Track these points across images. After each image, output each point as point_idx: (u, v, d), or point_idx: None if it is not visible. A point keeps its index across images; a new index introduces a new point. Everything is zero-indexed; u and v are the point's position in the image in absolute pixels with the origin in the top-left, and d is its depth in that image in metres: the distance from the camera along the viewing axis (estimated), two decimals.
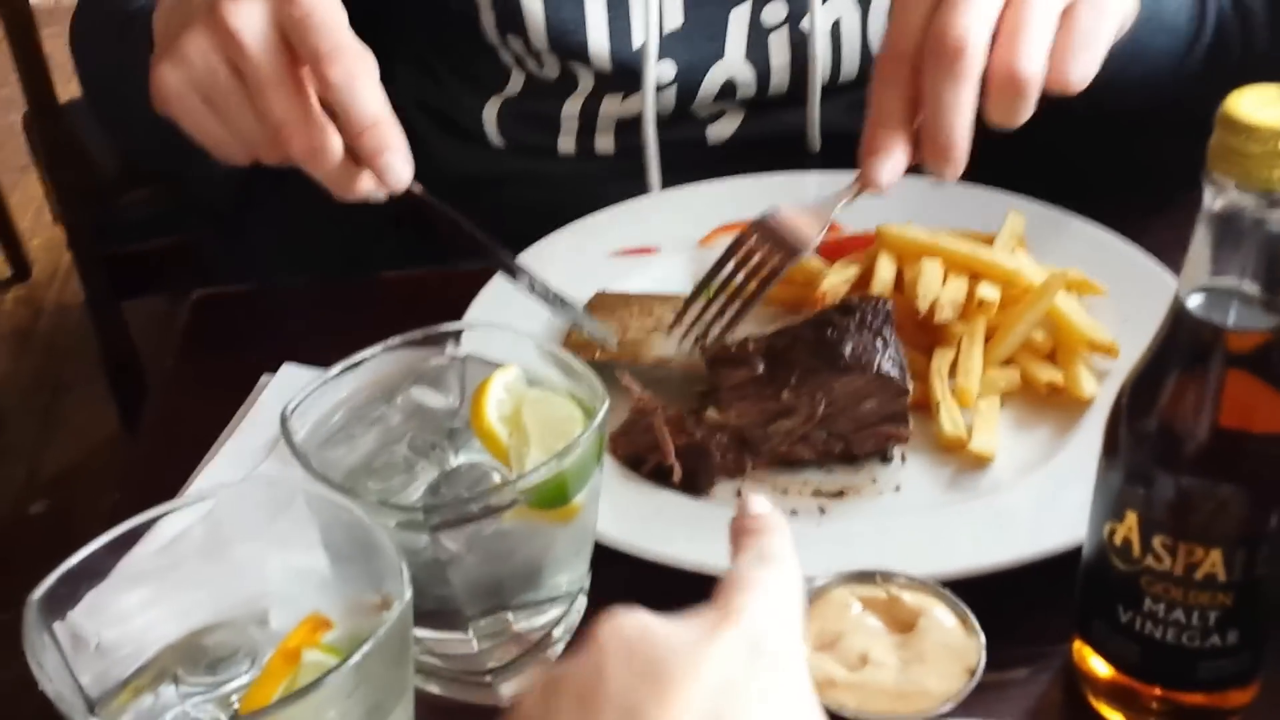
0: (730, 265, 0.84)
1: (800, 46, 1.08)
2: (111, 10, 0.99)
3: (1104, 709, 0.65)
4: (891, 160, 0.75)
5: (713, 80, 1.08)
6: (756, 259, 0.83)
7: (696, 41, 1.06)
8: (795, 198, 1.03)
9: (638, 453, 0.82)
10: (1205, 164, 0.53)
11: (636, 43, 1.05)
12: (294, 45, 0.74)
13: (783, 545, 0.53)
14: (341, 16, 0.75)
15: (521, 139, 1.13)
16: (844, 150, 1.09)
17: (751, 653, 0.45)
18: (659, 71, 1.06)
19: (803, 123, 1.10)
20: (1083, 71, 0.73)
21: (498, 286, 0.94)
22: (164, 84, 0.76)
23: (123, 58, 0.92)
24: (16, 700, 0.59)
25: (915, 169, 1.02)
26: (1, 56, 1.97)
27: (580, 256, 0.99)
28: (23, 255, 2.89)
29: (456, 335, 0.72)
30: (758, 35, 1.07)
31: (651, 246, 1.01)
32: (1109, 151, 1.01)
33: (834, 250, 0.96)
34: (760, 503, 0.56)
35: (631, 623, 0.46)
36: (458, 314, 0.91)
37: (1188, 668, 0.61)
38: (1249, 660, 0.61)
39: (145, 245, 1.92)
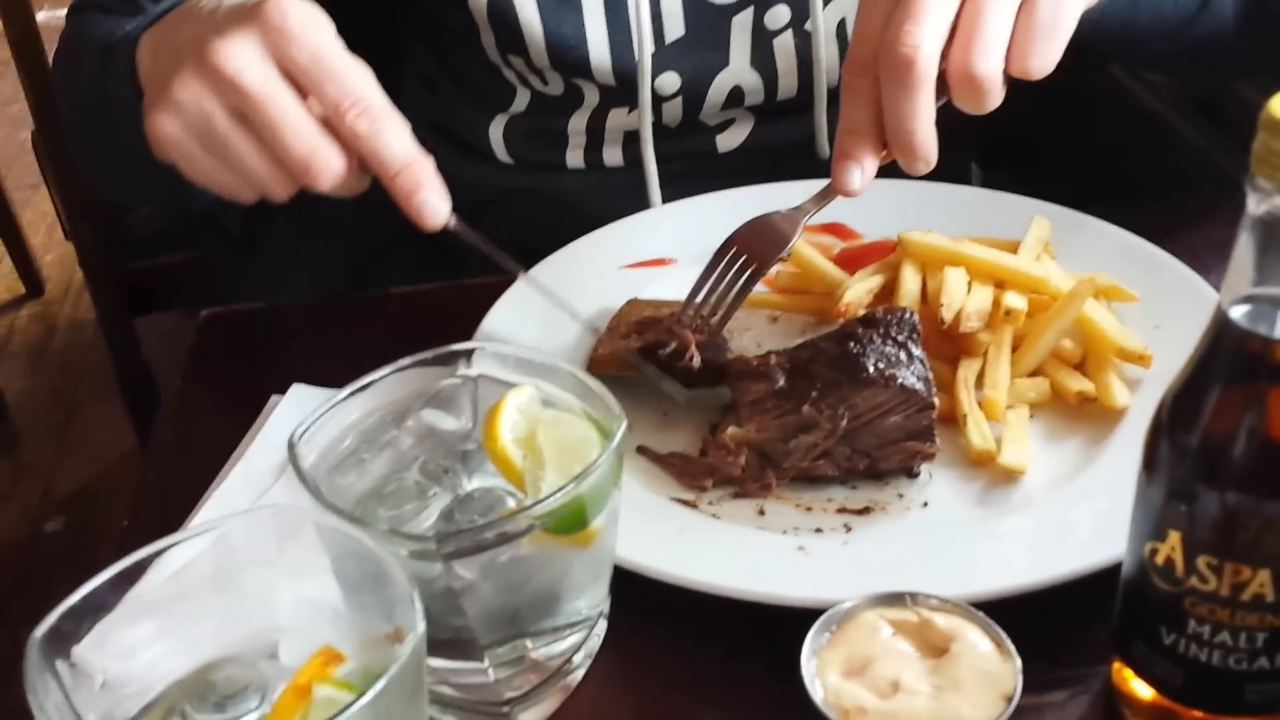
0: (713, 277, 0.84)
1: (805, 50, 1.06)
2: (93, 40, 0.97)
3: None
4: (861, 166, 0.77)
5: (719, 88, 1.06)
6: (738, 266, 0.84)
7: (700, 50, 1.05)
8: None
9: (658, 340, 0.83)
10: (1248, 168, 0.50)
11: (638, 55, 1.03)
12: (307, 88, 0.72)
13: None
14: (338, 46, 0.73)
15: (529, 155, 1.12)
16: None
17: None
18: (664, 82, 1.05)
19: (812, 128, 1.08)
20: (1042, 61, 0.74)
21: (510, 301, 0.92)
22: (160, 132, 0.74)
23: (101, 92, 0.90)
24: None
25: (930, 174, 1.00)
26: (10, 74, 1.97)
27: (594, 270, 0.97)
28: (35, 272, 2.89)
29: (468, 354, 0.70)
30: (762, 40, 1.06)
31: (666, 258, 0.99)
32: (1136, 149, 0.99)
33: (855, 259, 0.94)
34: None
35: None
36: (470, 329, 0.89)
37: (1234, 692, 0.59)
38: None
39: (156, 261, 1.91)
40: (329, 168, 0.72)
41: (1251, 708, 0.59)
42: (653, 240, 1.01)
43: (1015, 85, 0.76)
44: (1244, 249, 0.52)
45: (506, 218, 1.13)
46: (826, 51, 1.05)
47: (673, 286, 0.96)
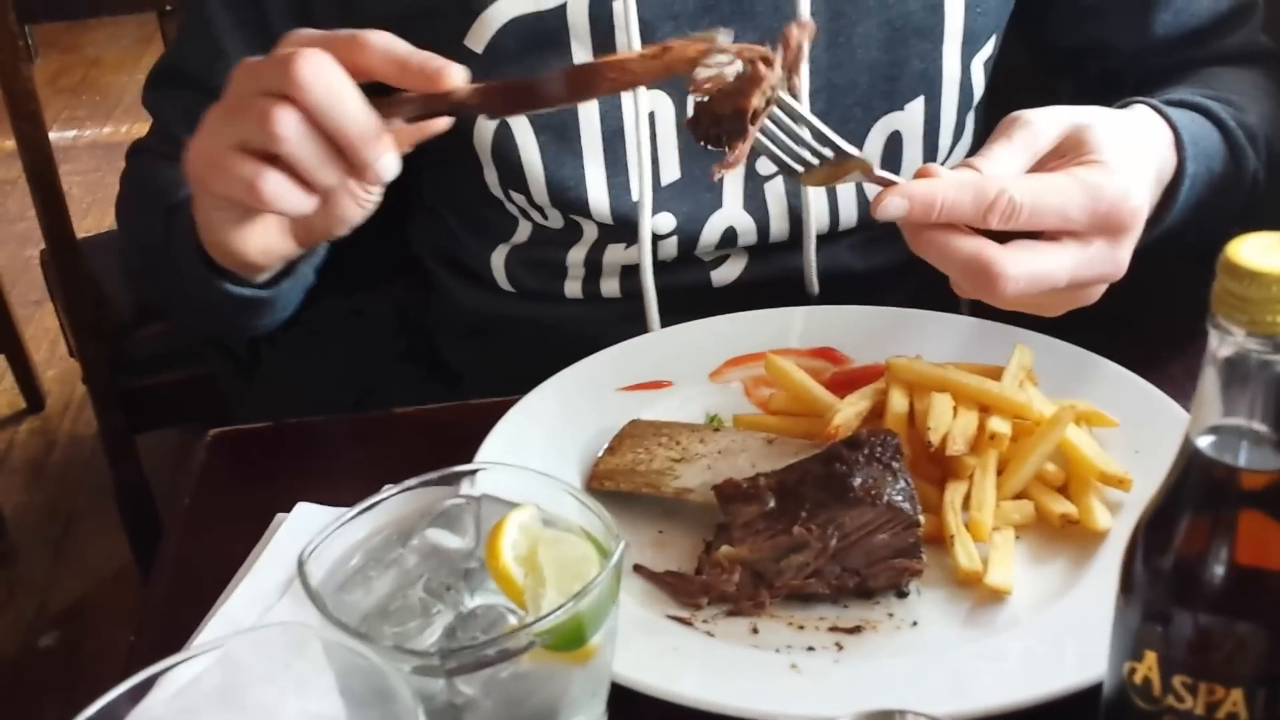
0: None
1: (795, 195, 1.10)
2: (155, 192, 1.03)
3: None
4: (899, 203, 0.82)
5: (712, 229, 1.10)
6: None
7: (694, 193, 1.09)
8: (795, 331, 1.06)
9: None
10: (1209, 309, 0.54)
11: (635, 197, 1.08)
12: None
13: None
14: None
15: (529, 284, 1.15)
16: (844, 290, 1.11)
17: None
18: (660, 222, 1.09)
19: (802, 264, 1.12)
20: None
21: (512, 421, 0.95)
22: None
23: (169, 250, 0.97)
24: None
25: (919, 302, 1.04)
26: (17, 192, 2.02)
27: (592, 391, 1.00)
28: (37, 387, 2.91)
29: (472, 475, 0.73)
30: (754, 186, 1.10)
31: (663, 381, 1.02)
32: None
33: (845, 384, 0.97)
34: None
35: None
36: (472, 447, 0.92)
37: None
38: None
39: (159, 379, 1.94)
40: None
41: None
42: (649, 363, 1.04)
43: None
44: (1209, 383, 0.55)
45: (506, 341, 1.17)
46: (815, 198, 1.10)
47: (670, 409, 0.99)
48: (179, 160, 0.84)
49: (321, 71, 0.76)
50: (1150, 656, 0.58)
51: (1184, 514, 0.57)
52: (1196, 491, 0.56)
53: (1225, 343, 0.53)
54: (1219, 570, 0.56)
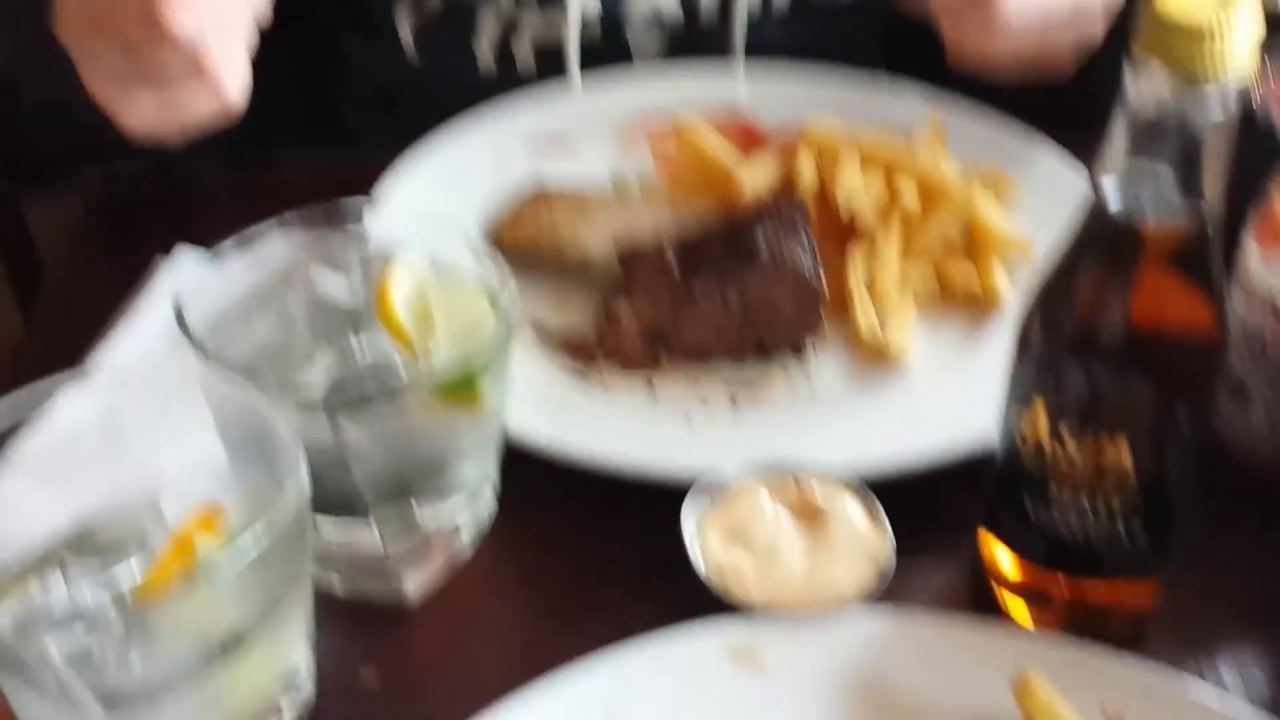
0: None
1: None
2: None
3: (1009, 600, 0.66)
4: None
5: (638, 9, 1.05)
6: None
7: None
8: (707, 94, 1.02)
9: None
10: (1129, 48, 0.52)
11: None
12: None
13: None
14: None
15: (438, 49, 1.09)
16: None
17: None
18: (584, 2, 1.03)
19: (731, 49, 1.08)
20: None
21: (407, 169, 0.91)
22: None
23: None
24: None
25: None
26: None
27: (495, 144, 0.97)
28: None
29: (359, 213, 0.70)
30: None
31: (568, 136, 0.99)
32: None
33: (751, 145, 0.95)
34: None
35: None
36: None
37: (1092, 560, 0.62)
38: (1153, 552, 0.62)
39: (41, 139, 1.84)
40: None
41: (1107, 573, 0.62)
42: (558, 119, 1.00)
43: None
44: (1119, 131, 0.54)
45: (413, 110, 1.11)
46: None
47: (576, 165, 0.96)
48: None
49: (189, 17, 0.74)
50: (1040, 411, 0.59)
51: (1081, 264, 0.56)
52: (1097, 243, 0.56)
53: (1140, 84, 0.51)
54: (1114, 325, 0.55)
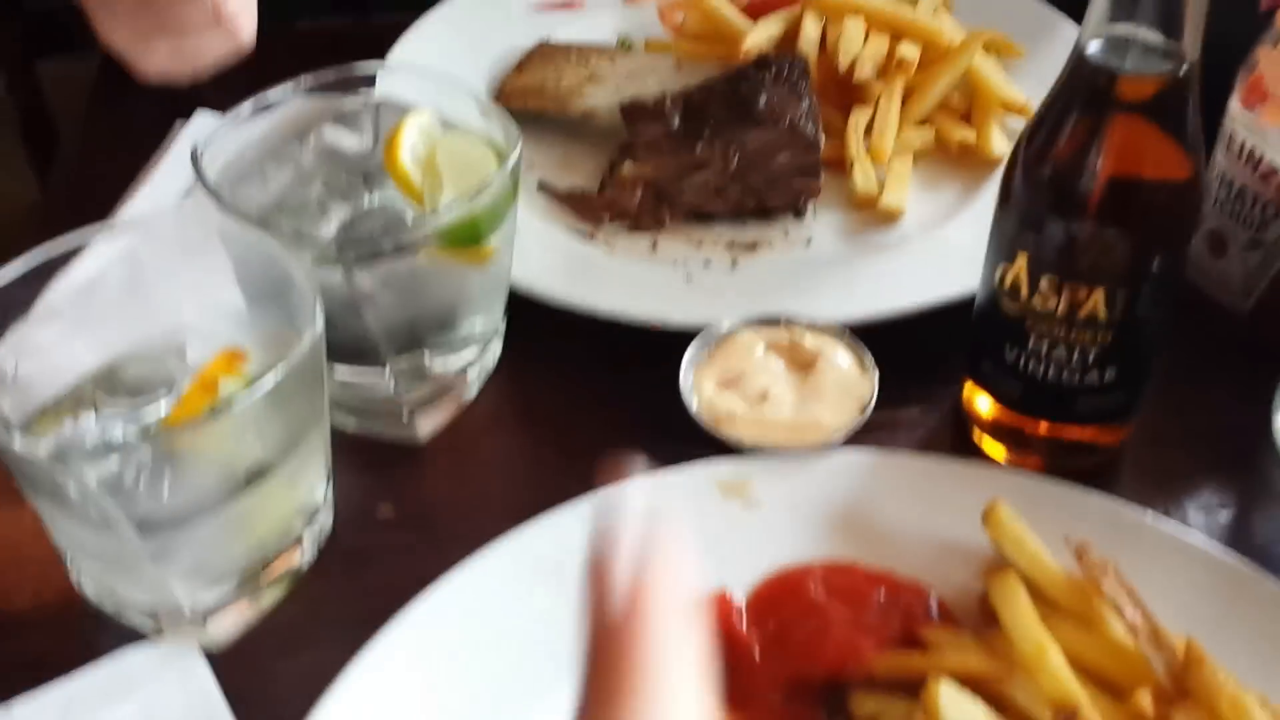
0: None
1: None
2: None
3: (989, 445, 0.69)
4: None
5: None
6: None
7: None
8: None
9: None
10: None
11: None
12: None
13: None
14: None
15: None
16: None
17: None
18: None
19: None
20: None
21: (418, 33, 0.93)
22: None
23: None
24: None
25: None
26: None
27: (502, 8, 0.98)
28: None
29: (372, 77, 0.72)
30: None
31: (575, 1, 1.00)
32: None
33: (759, 8, 0.95)
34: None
35: None
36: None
37: (1068, 403, 0.65)
38: (1125, 397, 0.65)
39: (53, 3, 1.84)
40: None
41: (1083, 419, 0.66)
42: None
43: None
44: None
45: None
46: None
47: (582, 29, 0.97)
48: None
49: None
50: (1021, 259, 0.61)
51: (1065, 119, 0.58)
52: (1079, 97, 0.58)
53: None
54: (1092, 174, 0.57)
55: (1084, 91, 0.57)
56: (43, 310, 0.63)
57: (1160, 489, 0.67)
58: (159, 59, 0.81)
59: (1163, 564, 0.59)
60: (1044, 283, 0.60)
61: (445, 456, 0.71)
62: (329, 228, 0.67)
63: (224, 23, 0.78)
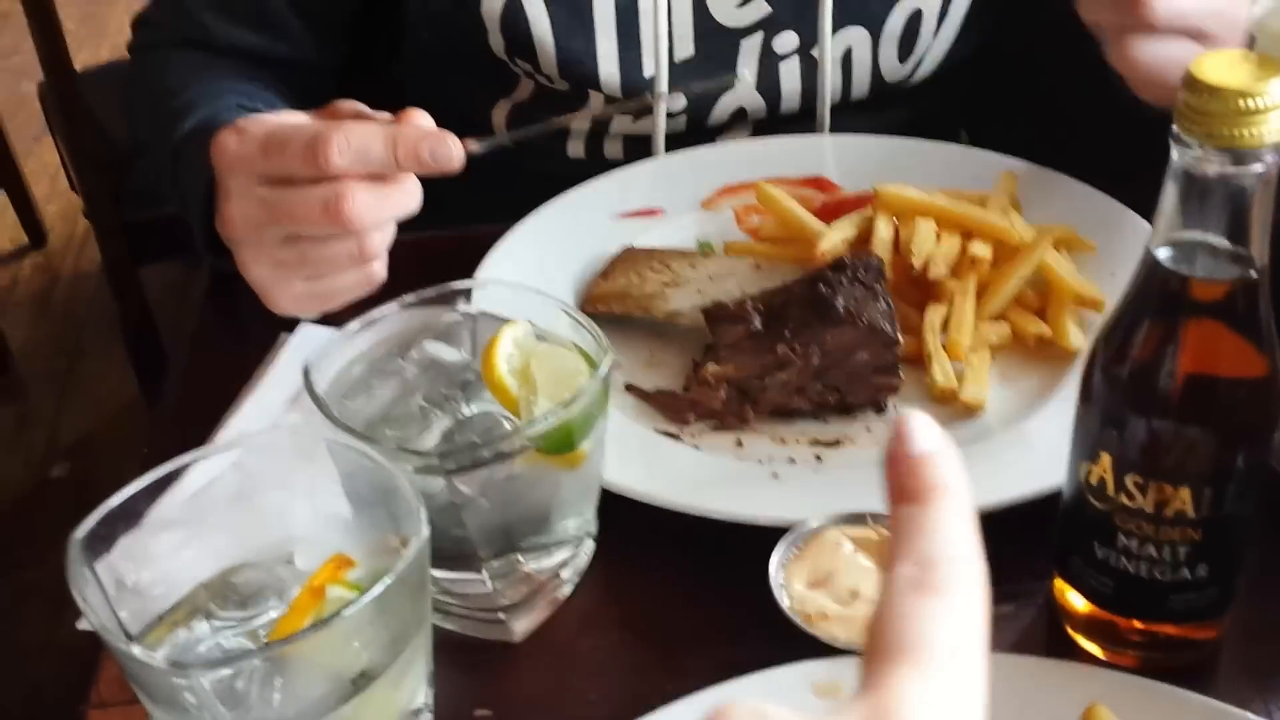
0: None
1: (810, 74, 1.09)
2: (162, 93, 1.02)
3: (1083, 641, 0.69)
4: None
5: (723, 108, 1.10)
6: None
7: (708, 71, 1.06)
8: (787, 160, 1.07)
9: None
10: (1172, 123, 0.56)
11: (647, 72, 1.06)
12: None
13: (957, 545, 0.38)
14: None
15: (530, 141, 1.15)
16: None
17: None
18: (671, 100, 1.08)
19: (813, 127, 1.12)
20: None
21: (508, 246, 0.98)
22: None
23: (173, 163, 0.97)
24: (39, 656, 0.61)
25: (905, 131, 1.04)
26: (10, 27, 2.00)
27: (587, 219, 1.03)
28: (39, 222, 2.92)
29: (468, 293, 0.76)
30: (769, 64, 1.08)
31: (656, 208, 1.05)
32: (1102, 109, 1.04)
33: (832, 211, 0.99)
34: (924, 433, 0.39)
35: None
36: (468, 273, 0.94)
37: (1160, 601, 0.65)
38: (1218, 593, 0.65)
39: (162, 211, 1.95)
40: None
41: (1176, 616, 0.66)
42: (644, 191, 1.06)
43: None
44: (1169, 197, 0.58)
45: (502, 189, 1.17)
46: (831, 78, 1.08)
47: (664, 235, 1.02)
48: (189, 43, 0.85)
49: (367, 211, 0.80)
50: (1105, 458, 0.62)
51: (1141, 322, 0.60)
52: (1153, 301, 0.60)
53: (1185, 156, 0.56)
54: (1171, 376, 0.59)
55: (1157, 294, 0.60)
56: (155, 520, 0.66)
57: (1258, 682, 0.67)
58: (296, 296, 0.85)
59: None
60: (1129, 481, 0.62)
61: (541, 656, 0.72)
62: (431, 438, 0.70)
63: (366, 264, 0.82)
